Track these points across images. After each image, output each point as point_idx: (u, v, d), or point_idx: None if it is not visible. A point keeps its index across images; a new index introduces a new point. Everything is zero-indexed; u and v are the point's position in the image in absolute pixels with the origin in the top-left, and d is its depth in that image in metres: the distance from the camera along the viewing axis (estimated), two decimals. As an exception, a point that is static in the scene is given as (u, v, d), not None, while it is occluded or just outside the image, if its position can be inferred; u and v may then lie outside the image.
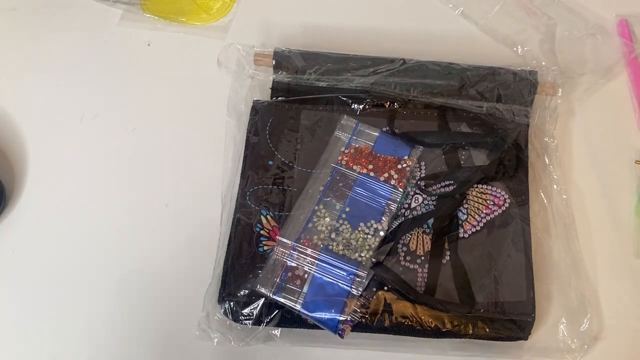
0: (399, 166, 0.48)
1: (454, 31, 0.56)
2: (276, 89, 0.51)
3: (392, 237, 0.46)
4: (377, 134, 0.49)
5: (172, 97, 0.53)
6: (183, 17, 0.56)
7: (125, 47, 0.55)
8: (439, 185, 0.48)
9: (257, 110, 0.50)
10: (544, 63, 0.53)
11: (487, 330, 0.44)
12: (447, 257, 0.45)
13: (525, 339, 0.44)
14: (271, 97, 0.51)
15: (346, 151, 0.49)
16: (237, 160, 0.49)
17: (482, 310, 0.44)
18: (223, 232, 0.46)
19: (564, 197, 0.48)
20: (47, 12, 0.56)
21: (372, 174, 0.48)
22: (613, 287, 0.47)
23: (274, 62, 0.51)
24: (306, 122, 0.50)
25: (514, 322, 0.44)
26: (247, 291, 0.44)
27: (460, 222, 0.46)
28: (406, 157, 0.48)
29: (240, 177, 0.48)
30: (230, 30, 0.56)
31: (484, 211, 0.47)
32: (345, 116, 0.50)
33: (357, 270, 0.44)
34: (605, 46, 0.54)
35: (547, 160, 0.49)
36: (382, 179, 0.47)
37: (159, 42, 0.55)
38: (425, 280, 0.45)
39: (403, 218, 0.47)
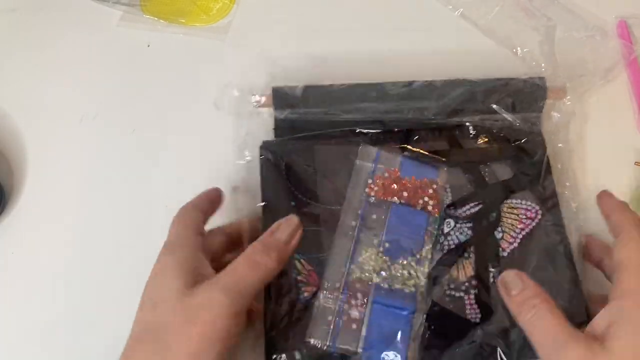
0: (430, 190, 0.46)
1: (453, 32, 0.56)
2: (280, 127, 0.49)
3: (436, 272, 0.44)
4: (400, 158, 0.47)
5: (171, 98, 0.53)
6: (183, 19, 0.56)
7: (124, 48, 0.55)
8: (468, 207, 0.46)
9: (268, 150, 0.47)
10: (543, 65, 0.53)
11: None
12: (492, 279, 0.44)
13: None
14: (275, 137, 0.49)
15: (373, 183, 0.46)
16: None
17: None
18: None
19: (574, 205, 0.47)
20: (47, 13, 0.56)
21: (405, 202, 0.46)
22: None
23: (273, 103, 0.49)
24: (321, 158, 0.47)
25: None
26: (298, 344, 0.41)
27: (497, 241, 0.45)
28: (437, 179, 0.46)
29: (262, 226, 0.44)
30: (229, 31, 0.56)
31: (519, 226, 0.45)
32: (362, 144, 0.47)
33: (414, 305, 0.42)
34: (605, 48, 0.54)
35: (559, 166, 0.48)
36: (418, 207, 0.45)
37: (158, 43, 0.55)
38: (475, 306, 0.43)
39: (439, 245, 0.45)
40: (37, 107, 0.52)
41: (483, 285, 0.44)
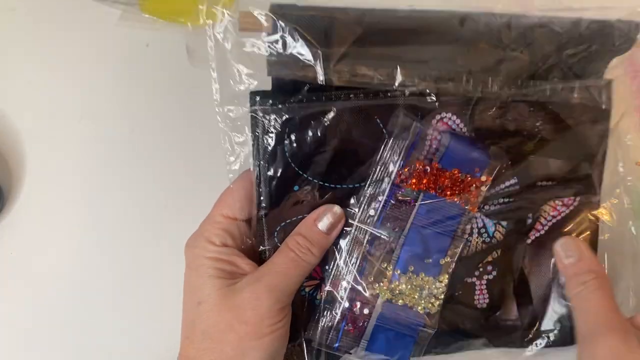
0: (472, 188, 0.38)
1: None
2: (275, 77, 0.37)
3: (457, 276, 0.40)
4: (448, 141, 0.38)
5: (171, 98, 0.53)
6: (182, 18, 0.56)
7: (123, 47, 0.55)
8: (504, 201, 0.41)
9: (261, 117, 0.37)
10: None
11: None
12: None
13: None
14: (273, 88, 0.37)
15: (406, 166, 0.38)
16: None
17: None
18: None
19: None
20: (46, 13, 0.56)
21: (440, 194, 0.39)
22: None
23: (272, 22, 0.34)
24: (336, 125, 0.37)
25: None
26: (299, 339, 0.40)
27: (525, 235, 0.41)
28: (480, 178, 0.39)
29: (260, 215, 0.39)
30: (229, 31, 0.56)
31: (551, 213, 0.41)
32: (403, 112, 0.37)
33: (425, 323, 0.39)
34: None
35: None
36: (455, 200, 0.39)
37: (157, 42, 0.55)
38: (485, 292, 0.41)
39: (465, 244, 0.40)
40: (36, 106, 0.52)
41: (500, 273, 0.41)
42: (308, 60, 0.35)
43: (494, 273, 0.41)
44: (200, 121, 0.52)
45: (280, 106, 0.37)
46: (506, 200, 0.40)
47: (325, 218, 0.38)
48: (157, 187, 0.50)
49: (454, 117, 0.39)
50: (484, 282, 0.41)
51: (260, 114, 0.37)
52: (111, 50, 0.55)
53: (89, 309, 0.47)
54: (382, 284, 0.39)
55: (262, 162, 0.38)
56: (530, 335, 0.41)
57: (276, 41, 0.35)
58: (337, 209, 0.38)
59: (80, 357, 0.46)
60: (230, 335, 0.35)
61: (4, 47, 0.55)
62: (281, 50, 0.35)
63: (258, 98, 0.37)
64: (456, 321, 0.41)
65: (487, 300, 0.42)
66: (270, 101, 0.37)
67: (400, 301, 0.39)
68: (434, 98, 0.37)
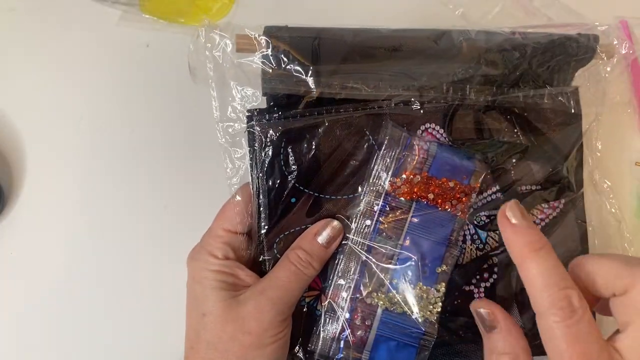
0: (462, 195, 0.40)
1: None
2: (271, 93, 0.40)
3: (454, 284, 0.41)
4: (434, 150, 0.39)
5: (171, 98, 0.53)
6: (182, 18, 0.56)
7: (124, 47, 0.55)
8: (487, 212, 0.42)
9: (257, 132, 0.39)
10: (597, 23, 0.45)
11: None
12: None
13: None
14: (267, 105, 0.40)
15: (397, 176, 0.40)
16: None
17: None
18: None
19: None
20: (46, 13, 0.56)
21: (432, 204, 0.40)
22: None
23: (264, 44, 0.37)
24: (329, 137, 0.39)
25: None
26: (298, 350, 0.41)
27: None
28: (469, 184, 0.40)
29: (258, 227, 0.40)
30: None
31: (539, 216, 0.43)
32: (391, 124, 0.39)
33: (425, 330, 0.39)
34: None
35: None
36: (446, 208, 0.40)
37: (157, 43, 0.55)
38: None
39: (459, 251, 0.41)
40: (36, 106, 0.52)
41: (497, 280, 0.42)
42: (300, 75, 0.38)
43: (491, 280, 0.42)
44: (200, 121, 0.52)
45: (275, 121, 0.39)
46: (493, 212, 0.42)
47: (324, 232, 0.40)
48: (157, 188, 0.50)
49: (437, 127, 0.41)
50: (482, 289, 0.42)
51: (257, 129, 0.39)
52: (111, 50, 0.55)
53: (89, 309, 0.47)
54: (380, 293, 0.40)
55: (260, 175, 0.40)
56: (537, 342, 0.41)
57: (270, 60, 0.38)
58: (336, 223, 0.40)
59: (80, 356, 0.46)
60: (235, 345, 0.37)
61: (4, 47, 0.55)
62: (275, 68, 0.38)
63: (255, 114, 0.40)
64: (457, 330, 0.41)
65: None
66: (267, 116, 0.39)
67: (399, 309, 0.40)
68: (419, 106, 0.40)
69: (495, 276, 0.42)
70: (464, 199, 0.40)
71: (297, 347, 0.41)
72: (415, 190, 0.40)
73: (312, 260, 0.39)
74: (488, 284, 0.42)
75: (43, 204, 0.49)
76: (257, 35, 0.38)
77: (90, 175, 0.50)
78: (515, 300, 0.42)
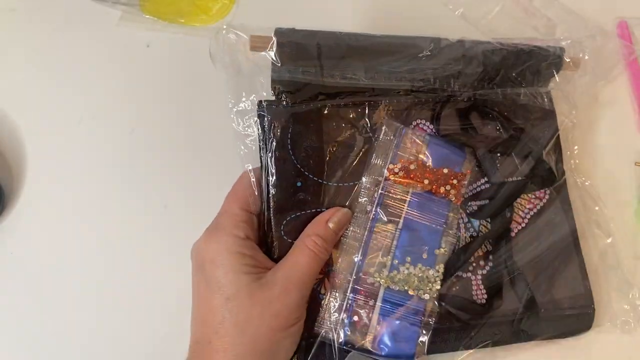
0: (454, 181, 0.44)
1: (454, 32, 0.56)
2: (279, 81, 0.43)
3: (451, 266, 0.44)
4: (427, 140, 0.44)
5: (171, 99, 0.53)
6: (182, 19, 0.56)
7: (124, 48, 0.55)
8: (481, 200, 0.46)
9: (267, 116, 0.42)
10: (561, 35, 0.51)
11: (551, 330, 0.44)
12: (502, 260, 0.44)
13: (588, 330, 0.45)
14: (274, 93, 0.44)
15: (394, 163, 0.43)
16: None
17: (542, 311, 0.43)
18: None
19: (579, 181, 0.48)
20: (46, 13, 0.56)
21: (427, 189, 0.44)
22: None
23: (274, 47, 0.43)
24: (331, 126, 0.44)
25: (576, 317, 0.44)
26: (306, 336, 0.42)
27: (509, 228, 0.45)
28: (461, 172, 0.44)
29: (267, 207, 0.42)
30: (229, 31, 0.56)
31: (527, 206, 0.46)
32: (386, 118, 0.44)
33: (424, 307, 0.42)
34: (605, 48, 0.54)
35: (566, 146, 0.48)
36: (439, 195, 0.44)
37: (158, 43, 0.55)
38: (481, 288, 0.44)
39: (455, 236, 0.44)
40: (36, 107, 0.52)
41: (493, 267, 0.44)
42: (306, 67, 0.43)
43: (487, 268, 0.44)
44: (201, 121, 0.52)
45: (283, 107, 0.43)
46: (483, 202, 0.45)
47: (335, 218, 0.42)
48: (157, 187, 0.50)
49: (427, 123, 0.46)
50: (479, 277, 0.44)
51: (266, 114, 0.42)
52: (111, 50, 0.55)
53: (89, 309, 0.47)
54: (382, 273, 0.42)
55: (269, 156, 0.42)
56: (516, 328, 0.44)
57: (279, 55, 0.43)
58: (345, 210, 0.43)
59: (80, 355, 0.46)
60: (263, 327, 0.38)
61: (4, 47, 0.55)
62: (283, 62, 0.43)
63: (264, 103, 0.43)
64: (457, 314, 0.43)
65: (485, 296, 0.44)
66: (276, 104, 0.43)
67: (401, 287, 0.42)
68: (410, 95, 0.45)
69: (490, 264, 0.44)
70: (457, 184, 0.44)
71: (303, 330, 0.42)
72: (412, 176, 0.43)
73: (327, 245, 0.41)
74: (485, 271, 0.44)
75: (43, 203, 0.49)
76: (269, 36, 0.43)
77: (90, 174, 0.50)
78: (512, 285, 0.44)
